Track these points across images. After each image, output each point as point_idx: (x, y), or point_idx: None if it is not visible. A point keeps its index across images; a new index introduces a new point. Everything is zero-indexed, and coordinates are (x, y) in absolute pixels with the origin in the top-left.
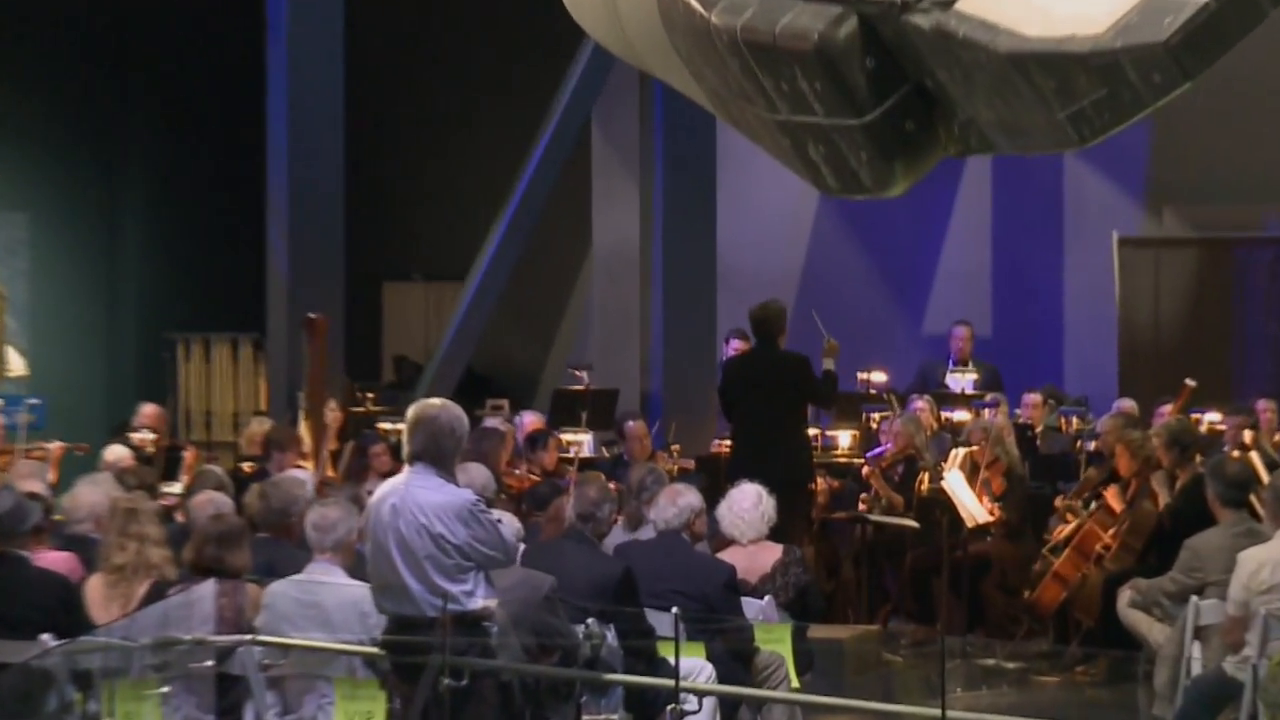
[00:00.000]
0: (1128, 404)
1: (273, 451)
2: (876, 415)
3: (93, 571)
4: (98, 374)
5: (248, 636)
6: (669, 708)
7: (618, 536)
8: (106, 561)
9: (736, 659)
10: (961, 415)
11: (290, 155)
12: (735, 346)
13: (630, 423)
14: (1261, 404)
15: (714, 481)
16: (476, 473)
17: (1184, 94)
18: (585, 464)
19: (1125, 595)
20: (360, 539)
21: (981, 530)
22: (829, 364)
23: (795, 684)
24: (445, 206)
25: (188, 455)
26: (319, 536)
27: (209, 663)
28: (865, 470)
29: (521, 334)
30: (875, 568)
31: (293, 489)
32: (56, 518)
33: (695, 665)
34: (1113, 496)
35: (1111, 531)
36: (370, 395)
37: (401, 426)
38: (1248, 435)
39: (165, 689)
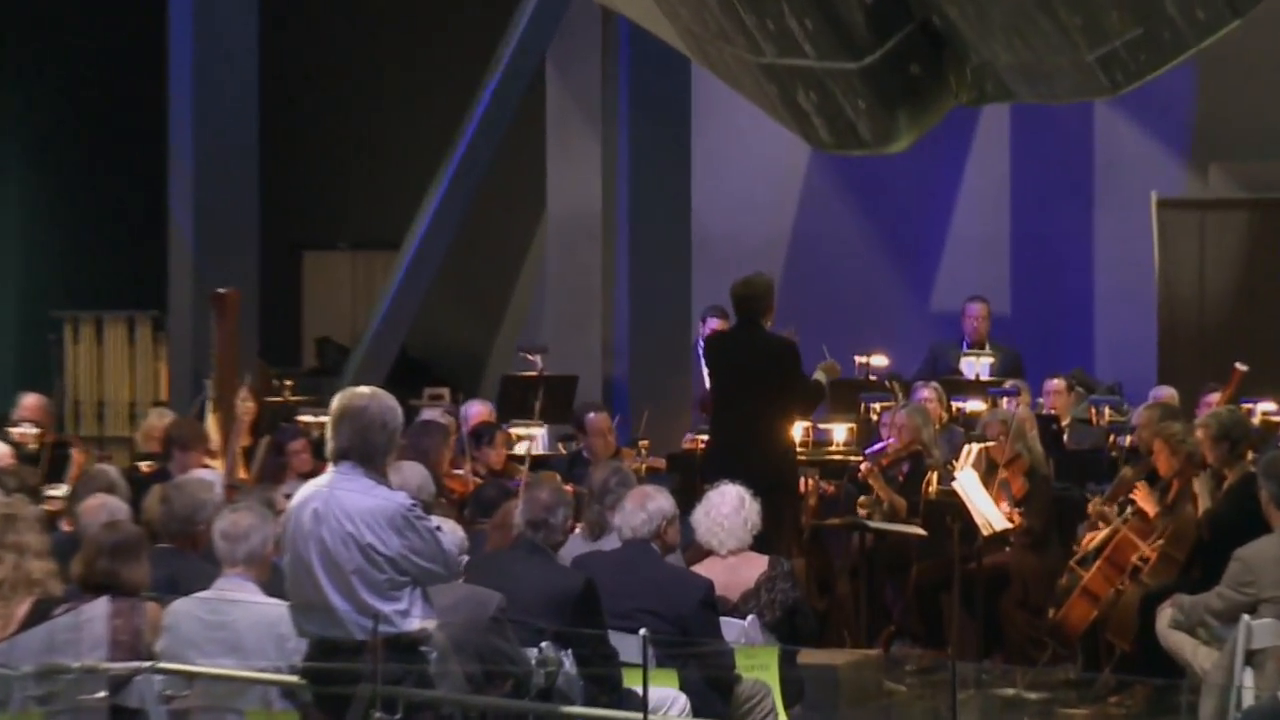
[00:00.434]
0: (1168, 392)
1: (175, 449)
2: (877, 406)
3: None
4: None
5: (146, 664)
6: None
7: (576, 547)
8: None
9: (714, 689)
10: (976, 405)
11: (195, 106)
12: (714, 326)
13: (591, 415)
14: None
15: (689, 482)
16: (411, 473)
17: (1232, 34)
18: (538, 462)
19: (1166, 614)
20: (277, 550)
21: (999, 539)
22: (821, 377)
23: (783, 717)
24: (376, 163)
25: (76, 453)
26: (229, 547)
27: (101, 694)
28: (863, 469)
29: (464, 311)
30: (875, 582)
31: (198, 492)
32: None
33: (667, 696)
34: (1147, 499)
35: (1150, 540)
36: (289, 382)
37: (325, 419)
38: None
39: None
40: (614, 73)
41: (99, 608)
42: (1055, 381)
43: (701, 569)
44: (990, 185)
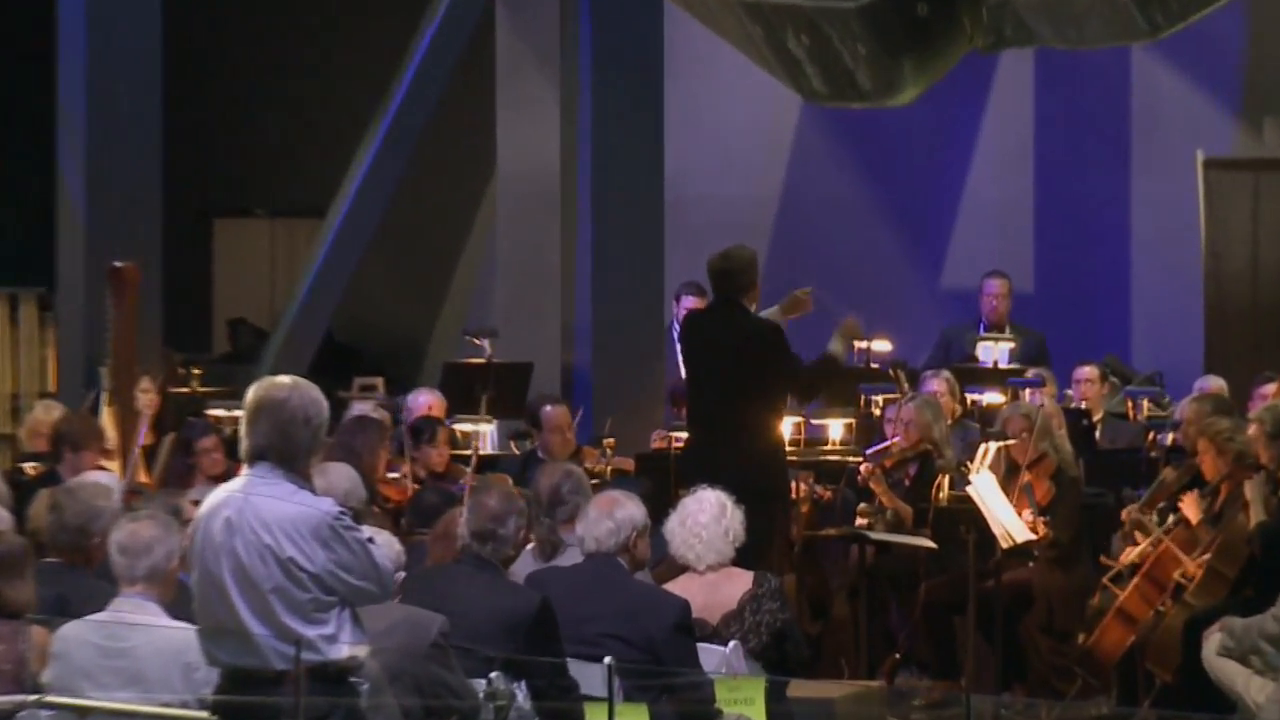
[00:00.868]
0: (1216, 382)
1: (65, 448)
2: (879, 398)
3: None
4: None
5: (32, 696)
6: None
7: (529, 565)
8: None
9: None
10: (994, 397)
11: (90, 55)
12: (689, 306)
13: (548, 408)
14: None
15: (661, 487)
16: (339, 475)
17: None
18: (486, 464)
19: (1214, 640)
20: (183, 566)
21: (1021, 552)
22: (838, 346)
23: None
24: (298, 119)
25: None
26: (128, 562)
27: None
28: (864, 472)
29: (401, 289)
30: (877, 603)
31: (93, 499)
32: None
33: None
34: (1192, 506)
35: (1195, 554)
36: (197, 371)
37: (239, 413)
38: None
39: None
40: (574, 13)
41: None
42: (1086, 370)
43: (676, 587)
44: (1011, 144)
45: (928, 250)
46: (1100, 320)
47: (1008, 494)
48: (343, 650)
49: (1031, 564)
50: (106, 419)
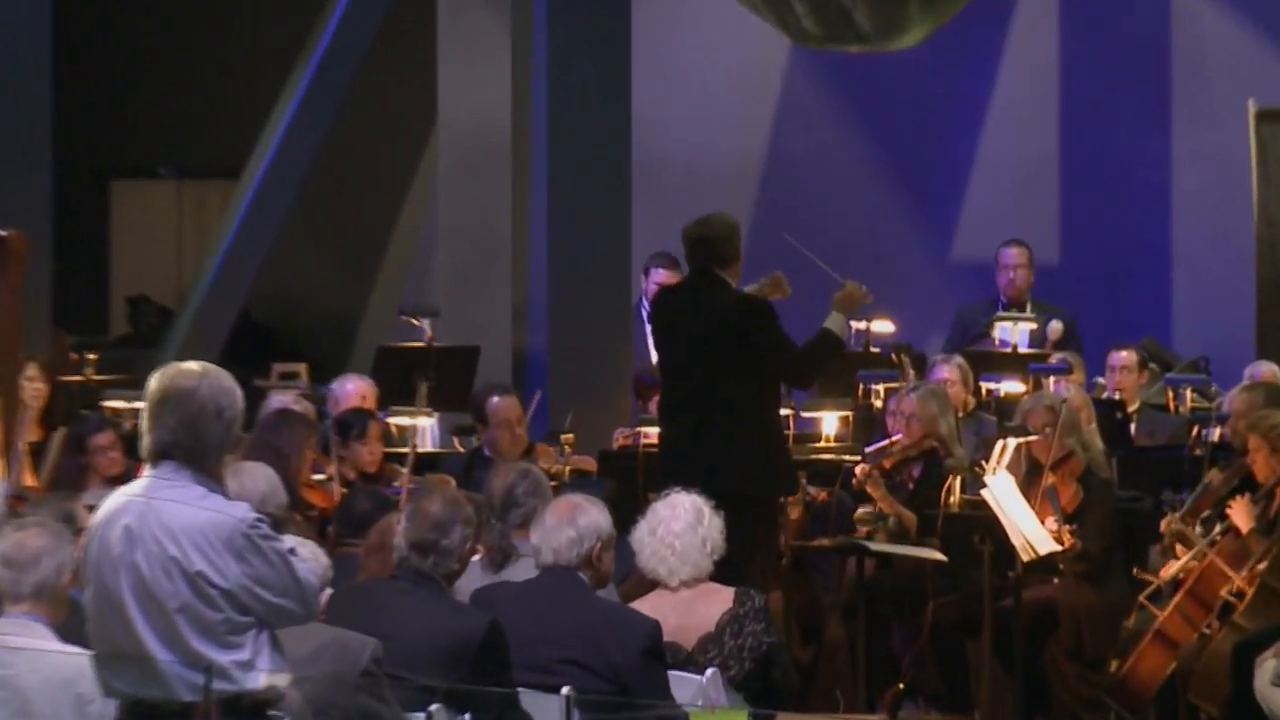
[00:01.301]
0: (1269, 369)
1: None
2: (880, 388)
3: None
4: None
5: None
6: None
7: (477, 578)
8: None
9: None
10: (1013, 386)
11: None
12: (660, 280)
13: (496, 399)
14: None
15: (628, 491)
16: (255, 477)
17: None
18: (426, 463)
19: (1267, 667)
20: (76, 581)
21: (1044, 566)
22: (838, 320)
23: None
24: (208, 67)
25: None
26: (12, 577)
27: None
28: (861, 473)
29: (327, 261)
30: (878, 624)
31: None
32: None
33: None
34: (1242, 513)
35: (1245, 569)
36: (92, 356)
37: (140, 405)
38: None
39: None
40: None
41: None
42: (1120, 355)
43: (645, 606)
44: (1033, 93)
45: (936, 216)
46: (1136, 297)
47: (1029, 498)
48: (260, 679)
49: (1056, 580)
50: None
